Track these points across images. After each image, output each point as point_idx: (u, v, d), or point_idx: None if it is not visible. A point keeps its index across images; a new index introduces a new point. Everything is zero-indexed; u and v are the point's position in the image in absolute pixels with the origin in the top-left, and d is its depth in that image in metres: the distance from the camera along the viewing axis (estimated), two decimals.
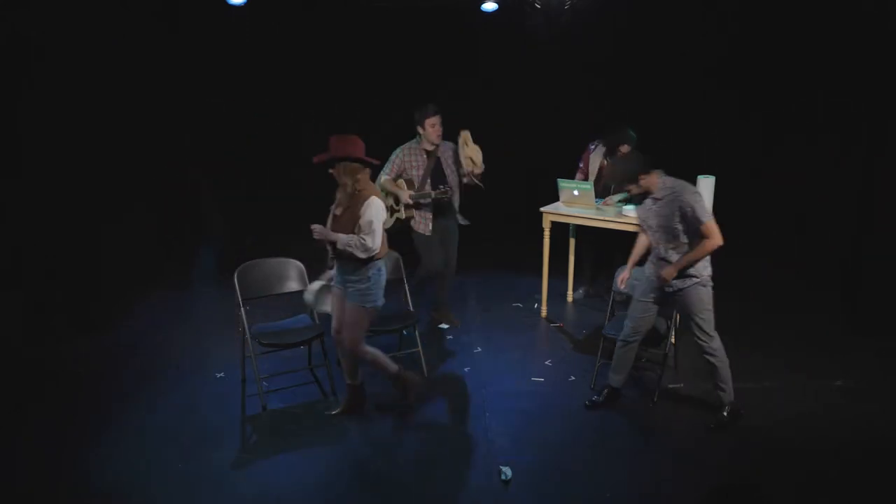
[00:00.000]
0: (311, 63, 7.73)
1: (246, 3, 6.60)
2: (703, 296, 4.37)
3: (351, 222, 4.18)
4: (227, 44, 7.24)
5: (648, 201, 4.37)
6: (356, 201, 4.18)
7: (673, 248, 4.32)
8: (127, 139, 6.64)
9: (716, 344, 4.45)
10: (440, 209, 5.61)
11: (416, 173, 5.55)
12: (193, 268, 7.25)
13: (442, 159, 5.60)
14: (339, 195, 4.27)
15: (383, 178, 5.50)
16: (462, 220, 5.75)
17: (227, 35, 7.19)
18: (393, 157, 5.59)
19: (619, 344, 4.66)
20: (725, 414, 4.49)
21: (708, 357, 4.46)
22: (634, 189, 4.35)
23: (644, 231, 4.56)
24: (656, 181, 4.31)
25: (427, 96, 7.85)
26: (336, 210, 4.31)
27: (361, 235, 4.12)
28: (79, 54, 6.04)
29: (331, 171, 4.21)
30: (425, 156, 5.56)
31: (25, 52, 5.65)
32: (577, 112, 7.13)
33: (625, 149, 5.90)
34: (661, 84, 7.21)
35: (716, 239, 4.19)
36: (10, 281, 5.65)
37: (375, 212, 4.15)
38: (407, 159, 5.57)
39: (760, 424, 4.51)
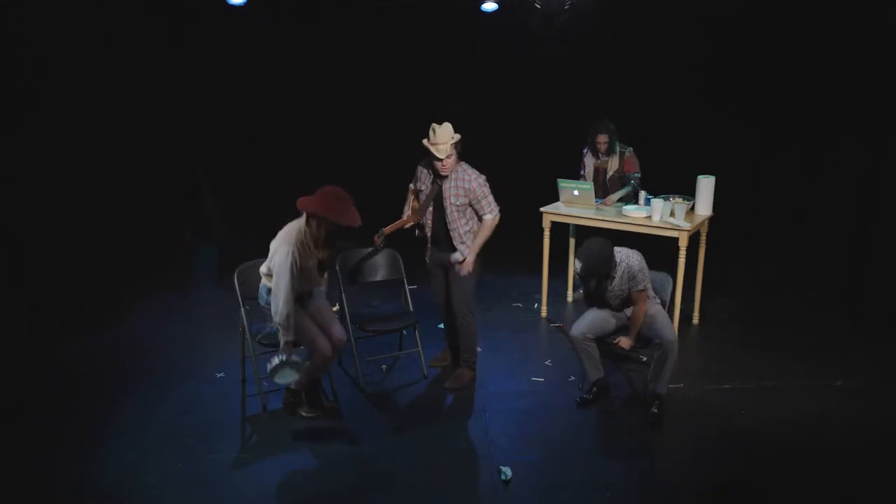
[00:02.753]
0: (312, 63, 7.74)
1: (246, 3, 6.60)
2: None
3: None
4: (227, 44, 7.25)
5: (604, 284, 4.60)
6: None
7: (623, 306, 4.72)
8: (127, 139, 6.64)
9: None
10: (436, 240, 4.84)
11: (422, 196, 4.84)
12: (193, 268, 7.25)
13: (445, 188, 4.67)
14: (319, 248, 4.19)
15: (410, 185, 4.96)
16: (453, 257, 4.76)
17: (227, 35, 7.19)
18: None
19: (582, 342, 4.67)
20: (656, 409, 4.57)
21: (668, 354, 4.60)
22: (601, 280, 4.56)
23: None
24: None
25: (426, 96, 7.89)
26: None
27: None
28: (78, 53, 6.04)
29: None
30: (432, 177, 4.75)
31: (25, 52, 5.65)
32: (577, 112, 7.13)
33: (602, 139, 5.94)
34: (662, 84, 7.22)
35: (644, 304, 4.58)
36: (10, 281, 5.65)
37: None
38: (420, 175, 4.83)
39: (760, 424, 4.51)
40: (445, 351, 5.27)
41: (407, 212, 4.93)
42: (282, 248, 4.01)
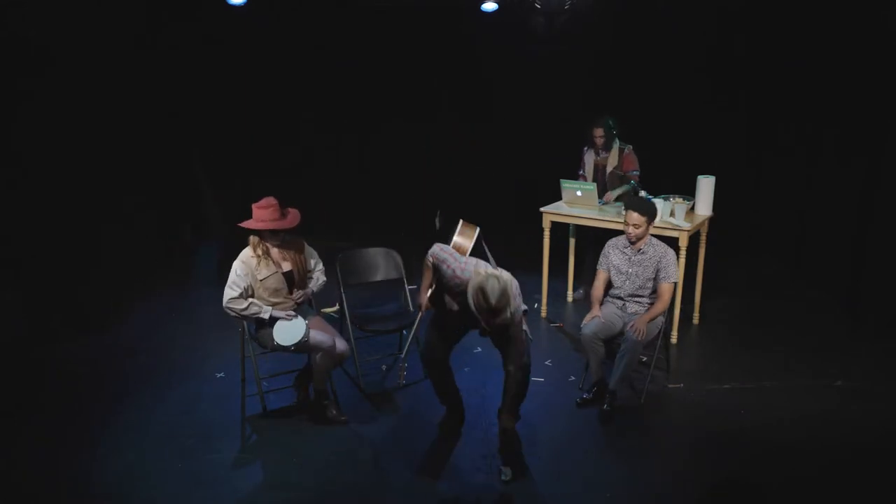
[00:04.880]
0: (311, 63, 7.74)
1: (246, 3, 6.60)
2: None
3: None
4: (227, 44, 7.24)
5: (629, 250, 4.76)
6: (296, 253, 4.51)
7: (630, 295, 4.78)
8: (127, 138, 6.64)
9: None
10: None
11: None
12: (193, 268, 7.25)
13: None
14: (278, 256, 4.43)
15: (428, 261, 4.07)
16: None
17: (227, 35, 7.19)
18: (461, 264, 3.94)
19: (592, 342, 4.68)
20: (607, 406, 4.63)
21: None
22: (638, 229, 4.67)
23: (604, 271, 4.89)
24: (648, 236, 4.75)
25: (426, 96, 7.89)
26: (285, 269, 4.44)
27: (319, 274, 4.61)
28: (78, 53, 6.04)
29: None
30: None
31: (25, 52, 5.65)
32: (577, 112, 7.13)
33: (598, 132, 5.97)
34: (662, 84, 7.21)
35: (669, 298, 4.71)
36: (10, 281, 5.65)
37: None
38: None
39: (760, 424, 4.51)
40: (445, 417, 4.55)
41: (426, 295, 4.18)
42: (233, 264, 4.35)
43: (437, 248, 4.01)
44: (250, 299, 4.32)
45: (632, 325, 4.60)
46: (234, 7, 6.61)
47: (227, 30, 7.15)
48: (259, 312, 4.31)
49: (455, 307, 4.01)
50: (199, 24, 7.06)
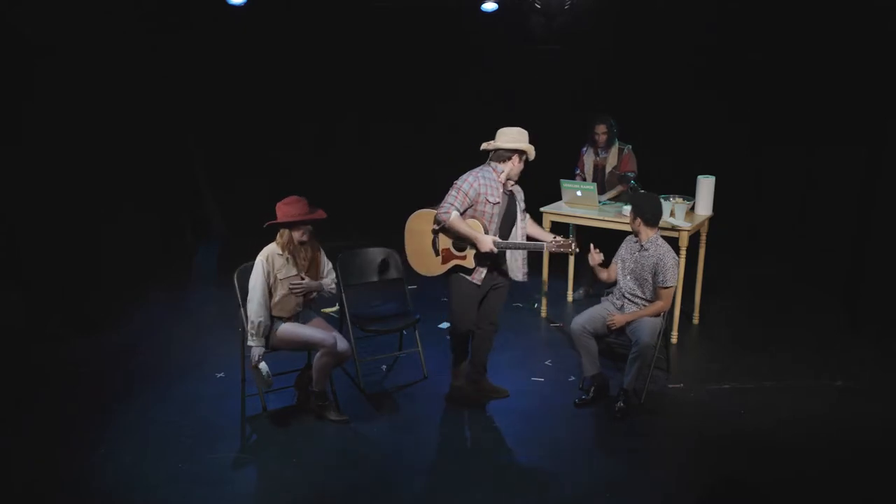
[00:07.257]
0: (311, 62, 7.74)
1: (246, 3, 6.60)
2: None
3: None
4: (227, 44, 7.24)
5: (635, 245, 4.77)
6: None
7: (631, 294, 4.76)
8: (127, 138, 6.63)
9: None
10: (499, 258, 4.49)
11: (489, 211, 4.35)
12: (193, 267, 7.25)
13: (517, 200, 4.54)
14: (301, 258, 4.41)
15: (453, 214, 4.29)
16: (521, 276, 4.54)
17: (227, 35, 7.19)
18: (463, 184, 4.33)
19: (581, 336, 4.71)
20: (622, 404, 4.62)
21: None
22: (634, 224, 4.71)
23: (614, 263, 4.91)
24: (650, 233, 4.71)
25: (426, 96, 7.89)
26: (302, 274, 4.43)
27: (329, 280, 4.57)
28: (78, 52, 6.03)
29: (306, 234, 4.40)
30: (501, 191, 4.39)
31: (25, 50, 5.65)
32: (578, 112, 7.13)
33: (601, 129, 5.99)
34: (662, 84, 7.21)
35: (667, 303, 4.69)
36: (10, 281, 5.65)
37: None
38: (483, 191, 4.34)
39: (760, 424, 4.52)
40: (481, 382, 4.85)
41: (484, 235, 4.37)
42: (256, 260, 4.35)
43: (448, 206, 4.28)
44: (260, 320, 4.28)
45: (610, 315, 4.66)
46: (233, 7, 6.61)
47: (227, 30, 7.15)
48: (249, 341, 4.31)
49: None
50: (198, 24, 7.06)
